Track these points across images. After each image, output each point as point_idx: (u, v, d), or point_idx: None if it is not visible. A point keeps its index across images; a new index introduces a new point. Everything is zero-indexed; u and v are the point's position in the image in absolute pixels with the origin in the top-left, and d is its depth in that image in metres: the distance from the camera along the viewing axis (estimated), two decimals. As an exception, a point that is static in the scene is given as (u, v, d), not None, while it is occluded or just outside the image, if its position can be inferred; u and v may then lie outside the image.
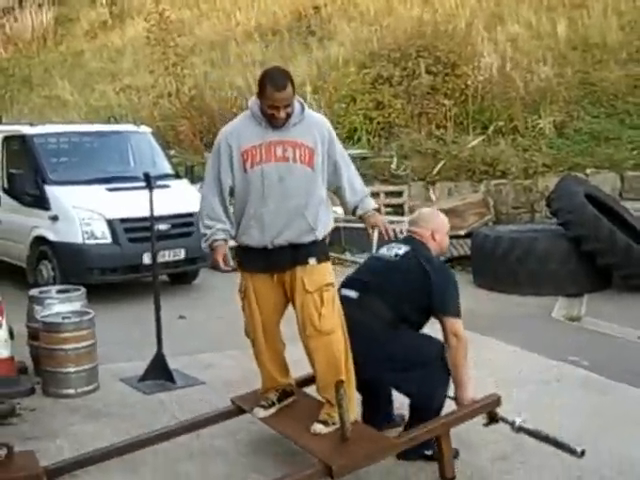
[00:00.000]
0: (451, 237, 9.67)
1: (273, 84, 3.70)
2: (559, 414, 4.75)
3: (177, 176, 9.37)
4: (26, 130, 9.13)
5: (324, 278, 3.87)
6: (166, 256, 8.28)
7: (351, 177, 4.06)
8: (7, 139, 9.29)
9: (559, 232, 8.41)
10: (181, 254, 8.55)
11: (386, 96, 12.22)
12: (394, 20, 14.69)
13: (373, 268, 4.36)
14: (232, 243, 4.13)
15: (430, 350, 4.07)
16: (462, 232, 9.90)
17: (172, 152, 12.40)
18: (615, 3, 13.43)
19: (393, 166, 11.23)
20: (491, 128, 11.44)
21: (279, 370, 4.15)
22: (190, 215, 8.66)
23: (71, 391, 5.27)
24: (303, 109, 3.89)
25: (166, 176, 9.07)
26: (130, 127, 10.10)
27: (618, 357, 6.03)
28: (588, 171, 10.23)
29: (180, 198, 8.56)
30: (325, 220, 3.96)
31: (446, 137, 11.58)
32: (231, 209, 4.05)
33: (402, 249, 4.21)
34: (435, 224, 4.35)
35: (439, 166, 10.92)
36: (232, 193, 3.97)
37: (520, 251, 8.32)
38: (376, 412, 4.38)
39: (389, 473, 4.02)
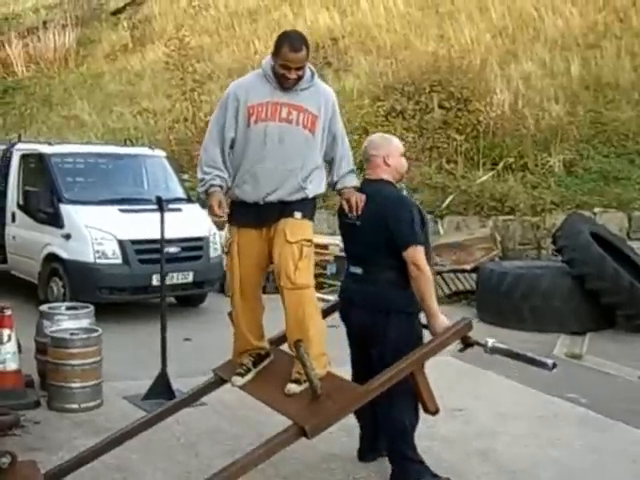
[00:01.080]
0: (457, 271, 9.93)
1: (289, 44, 3.80)
2: (554, 449, 4.81)
3: (189, 200, 9.51)
4: (44, 149, 9.35)
5: (306, 233, 3.94)
6: (174, 278, 8.43)
7: (344, 153, 4.11)
8: (25, 157, 9.52)
9: (564, 270, 8.48)
10: (189, 277, 8.68)
11: (398, 129, 12.35)
12: (410, 54, 14.89)
13: (355, 238, 4.32)
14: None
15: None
16: (468, 267, 9.98)
17: (186, 176, 12.56)
18: (628, 45, 13.54)
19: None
20: (501, 164, 11.52)
21: (253, 333, 4.12)
22: (200, 239, 8.85)
23: (75, 406, 5.38)
24: (313, 77, 3.98)
25: (178, 200, 9.24)
26: (145, 150, 10.30)
27: (617, 396, 6.05)
28: (596, 210, 10.28)
29: (191, 222, 8.72)
30: (317, 182, 4.02)
31: (456, 172, 11.68)
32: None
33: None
34: (385, 149, 4.25)
35: (448, 200, 11.00)
36: (232, 145, 4.00)
37: (524, 287, 8.39)
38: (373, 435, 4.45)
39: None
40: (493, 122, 12.17)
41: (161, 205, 5.83)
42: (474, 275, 9.61)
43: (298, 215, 3.92)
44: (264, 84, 3.94)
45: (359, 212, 4.08)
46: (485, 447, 4.81)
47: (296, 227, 3.91)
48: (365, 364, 4.17)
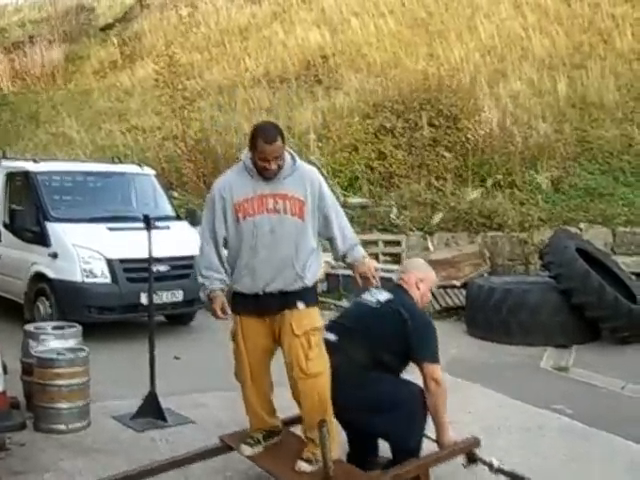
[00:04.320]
0: (446, 287, 9.98)
1: (264, 137, 3.88)
2: (538, 458, 4.88)
3: (178, 218, 9.49)
4: (30, 167, 9.24)
5: (312, 322, 4.01)
6: (164, 297, 8.38)
7: (342, 226, 4.19)
8: (10, 175, 9.40)
9: (551, 285, 8.56)
10: (179, 296, 8.63)
11: (388, 147, 12.45)
12: (400, 72, 15.01)
13: (354, 313, 4.52)
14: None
15: (404, 392, 4.18)
16: (458, 282, 10.03)
17: (175, 194, 12.57)
18: (613, 65, 13.75)
19: (392, 215, 11.39)
20: (490, 181, 11.62)
21: (266, 411, 4.24)
22: (189, 258, 8.75)
23: (62, 427, 5.33)
24: (295, 161, 4.05)
25: (167, 218, 9.19)
26: (134, 168, 10.22)
27: (602, 406, 6.16)
28: (582, 226, 10.40)
29: (180, 240, 8.67)
30: (314, 268, 4.09)
31: (445, 189, 11.77)
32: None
33: (384, 295, 4.33)
34: (423, 274, 4.50)
35: (438, 217, 11.07)
36: (226, 244, 4.12)
37: (512, 302, 8.47)
38: (361, 452, 4.46)
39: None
40: (482, 140, 12.28)
41: (149, 223, 5.81)
42: (464, 291, 9.65)
43: (301, 306, 4.00)
44: (246, 178, 4.03)
45: (377, 282, 4.20)
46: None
47: (301, 319, 3.99)
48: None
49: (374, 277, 4.17)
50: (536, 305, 8.38)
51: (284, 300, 3.99)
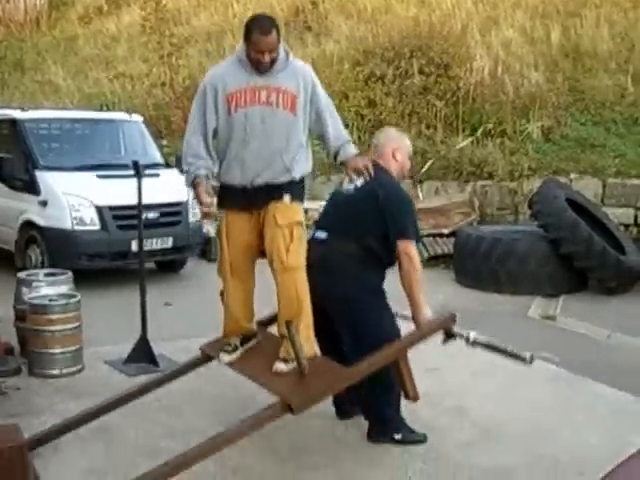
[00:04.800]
0: (435, 235, 10.03)
1: (259, 28, 3.82)
2: (525, 405, 4.98)
3: (167, 165, 9.48)
4: (17, 114, 9.20)
5: (295, 216, 4.00)
6: (154, 244, 8.45)
7: (335, 124, 4.13)
8: (-3, 123, 9.36)
9: (539, 234, 8.61)
10: (169, 242, 8.70)
11: (378, 94, 12.35)
12: (390, 19, 14.79)
13: (336, 205, 4.47)
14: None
15: (388, 324, 4.22)
16: (446, 231, 10.09)
17: (164, 142, 12.50)
18: (608, 13, 13.58)
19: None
20: (480, 130, 11.55)
21: (243, 313, 4.20)
22: (179, 204, 8.84)
23: (56, 371, 5.42)
24: (288, 57, 4.00)
25: (156, 165, 9.20)
26: (122, 115, 10.20)
27: (588, 355, 6.24)
28: (572, 176, 10.39)
29: (169, 187, 8.69)
30: (303, 163, 4.07)
31: (435, 137, 11.71)
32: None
33: (360, 180, 4.24)
34: (397, 143, 4.44)
35: (427, 165, 11.06)
36: (215, 135, 4.05)
37: (501, 251, 8.51)
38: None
39: (360, 452, 4.22)
40: (473, 88, 12.16)
41: (138, 170, 5.80)
42: (452, 239, 9.71)
43: (287, 199, 3.98)
44: (240, 70, 3.97)
45: (371, 174, 4.08)
46: (459, 404, 4.94)
47: (286, 210, 3.97)
48: (328, 333, 4.26)
49: (367, 169, 4.05)
50: (524, 254, 8.43)
51: (271, 193, 3.98)
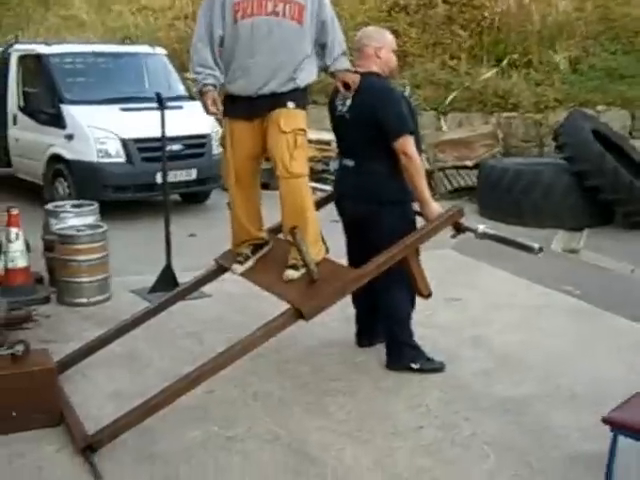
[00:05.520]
0: (459, 167, 9.99)
1: None
2: (544, 336, 5.02)
3: (191, 98, 9.48)
4: (42, 49, 9.26)
5: (299, 122, 4.01)
6: (178, 176, 8.52)
7: (335, 38, 4.09)
8: (23, 58, 9.45)
9: (564, 166, 8.52)
10: (193, 174, 8.79)
11: (402, 24, 12.16)
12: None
13: (344, 129, 4.41)
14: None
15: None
16: (470, 163, 10.04)
17: (187, 74, 12.44)
18: None
19: (406, 94, 11.25)
20: (505, 61, 11.33)
21: (252, 222, 4.25)
22: (203, 137, 8.90)
23: (84, 300, 5.58)
24: None
25: (180, 98, 9.23)
26: (145, 48, 10.18)
27: (610, 288, 6.22)
28: (599, 108, 10.20)
29: (193, 119, 8.68)
30: (307, 71, 4.06)
31: (460, 68, 11.53)
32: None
33: (348, 100, 4.22)
34: (378, 41, 4.31)
35: (451, 97, 10.93)
36: (222, 43, 4.04)
37: (524, 183, 8.46)
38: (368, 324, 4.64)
39: (378, 380, 4.31)
40: (498, 18, 11.92)
41: (161, 102, 5.85)
42: (476, 172, 9.66)
43: (291, 105, 3.97)
44: None
45: (355, 88, 4.08)
46: (478, 334, 5.00)
47: (290, 117, 3.96)
48: (360, 253, 4.27)
49: (355, 83, 4.09)
50: (548, 186, 8.36)
51: (275, 101, 3.98)
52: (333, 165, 10.03)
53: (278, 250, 4.25)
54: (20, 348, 3.69)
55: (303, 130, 4.01)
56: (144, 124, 7.91)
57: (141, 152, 8.40)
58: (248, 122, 4.05)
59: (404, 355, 4.40)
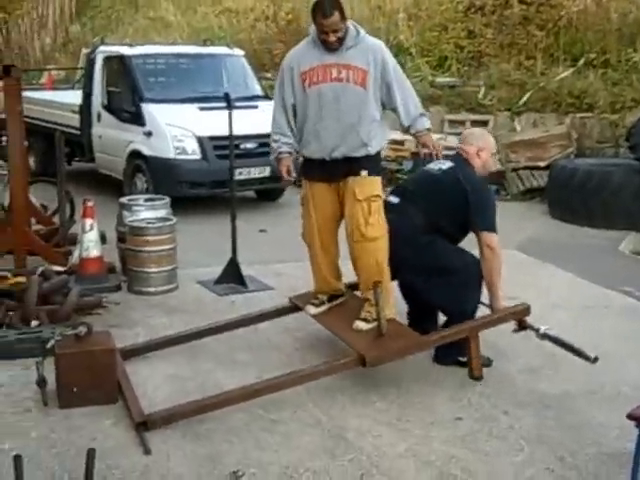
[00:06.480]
0: (531, 168, 9.92)
1: (321, 12, 4.10)
2: (595, 333, 5.01)
3: (267, 97, 9.73)
4: (125, 51, 9.72)
5: (373, 189, 4.28)
6: (252, 173, 8.83)
7: (405, 98, 4.32)
8: (107, 59, 9.89)
9: (636, 167, 8.38)
10: (266, 172, 9.01)
11: (477, 25, 12.17)
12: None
13: (418, 179, 4.82)
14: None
15: (459, 259, 4.40)
16: (543, 164, 9.96)
17: (268, 74, 12.77)
18: None
19: (480, 95, 11.25)
20: (582, 60, 11.20)
21: (331, 273, 4.57)
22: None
23: (152, 289, 5.87)
24: (358, 33, 4.24)
25: (256, 97, 9.59)
26: (224, 50, 10.52)
27: (673, 292, 6.11)
28: (679, 108, 9.97)
29: (268, 118, 8.86)
30: (379, 138, 4.33)
31: (535, 68, 11.44)
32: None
33: (446, 165, 4.54)
34: (482, 142, 4.64)
35: (526, 97, 10.86)
36: (295, 111, 4.38)
37: (595, 184, 8.36)
38: (420, 322, 4.73)
39: (424, 373, 4.44)
40: (575, 17, 11.77)
41: (229, 102, 6.11)
42: (548, 172, 9.58)
43: (364, 173, 4.25)
44: (313, 50, 4.27)
45: (439, 155, 4.39)
46: (529, 332, 4.99)
47: (364, 185, 4.25)
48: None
49: (435, 148, 4.35)
50: (619, 187, 8.24)
51: (348, 166, 4.26)
52: (406, 165, 10.14)
53: (352, 303, 4.61)
54: (83, 329, 3.97)
55: (378, 196, 4.28)
56: (220, 123, 8.13)
57: (216, 150, 8.67)
58: (327, 185, 4.36)
59: (453, 349, 4.49)
